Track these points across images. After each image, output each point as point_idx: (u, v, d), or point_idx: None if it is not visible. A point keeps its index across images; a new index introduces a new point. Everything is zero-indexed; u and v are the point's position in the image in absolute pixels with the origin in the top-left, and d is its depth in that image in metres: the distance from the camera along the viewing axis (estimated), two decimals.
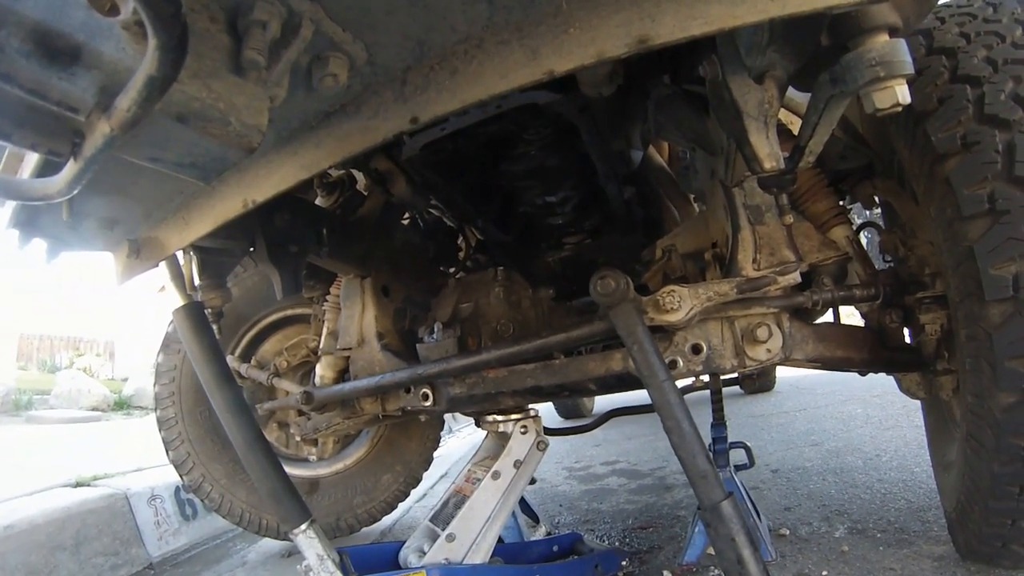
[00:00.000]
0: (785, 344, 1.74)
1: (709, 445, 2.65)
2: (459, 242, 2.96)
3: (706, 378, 2.65)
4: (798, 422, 5.18)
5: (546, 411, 7.58)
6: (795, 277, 1.73)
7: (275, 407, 2.88)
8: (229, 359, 3.09)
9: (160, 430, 3.19)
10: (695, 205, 2.57)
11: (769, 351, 1.73)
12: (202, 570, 3.23)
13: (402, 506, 3.74)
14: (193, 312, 2.01)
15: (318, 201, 2.39)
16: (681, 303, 1.66)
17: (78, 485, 3.49)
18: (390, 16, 0.98)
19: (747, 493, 2.62)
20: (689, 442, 1.46)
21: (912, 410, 3.99)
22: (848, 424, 4.73)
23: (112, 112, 0.83)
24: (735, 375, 4.31)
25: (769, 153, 1.34)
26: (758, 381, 6.74)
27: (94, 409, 10.12)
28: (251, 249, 2.07)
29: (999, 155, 1.43)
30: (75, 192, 0.94)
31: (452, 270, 2.90)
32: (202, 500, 3.22)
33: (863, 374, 2.02)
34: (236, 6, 0.89)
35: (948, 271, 1.62)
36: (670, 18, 0.97)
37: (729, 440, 2.71)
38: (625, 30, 0.99)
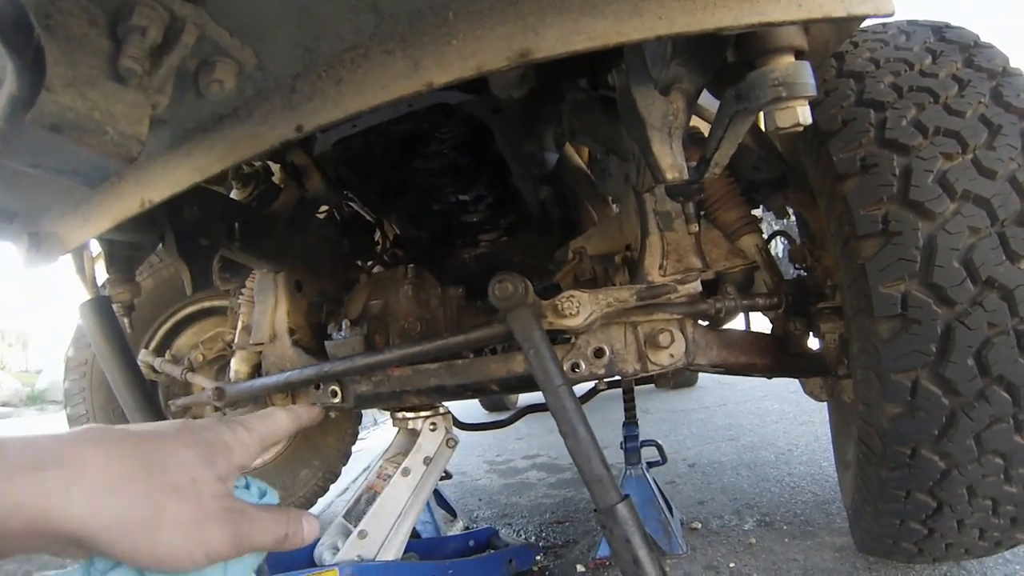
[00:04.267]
0: (688, 350, 1.76)
1: (621, 443, 2.70)
2: (377, 236, 2.94)
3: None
4: (717, 417, 5.29)
5: (472, 404, 7.60)
6: (696, 286, 1.76)
7: (188, 403, 2.83)
8: (143, 353, 3.03)
9: (71, 428, 3.09)
10: (613, 207, 2.59)
11: (672, 356, 1.76)
12: None
13: (324, 501, 3.72)
14: (100, 307, 1.96)
15: (233, 193, 2.35)
16: (580, 309, 1.68)
17: None
18: (276, 23, 0.96)
19: (659, 489, 2.68)
20: (584, 446, 1.48)
21: (824, 407, 4.11)
22: (764, 419, 4.86)
23: None
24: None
25: (672, 164, 1.35)
26: (673, 379, 6.83)
27: (4, 404, 9.72)
28: (161, 242, 2.03)
29: (896, 178, 1.47)
30: None
31: (370, 264, 2.89)
32: None
33: (768, 378, 2.07)
34: (118, 9, 0.86)
35: (844, 286, 1.66)
36: (554, 32, 0.97)
37: (641, 438, 2.76)
38: (507, 43, 0.99)
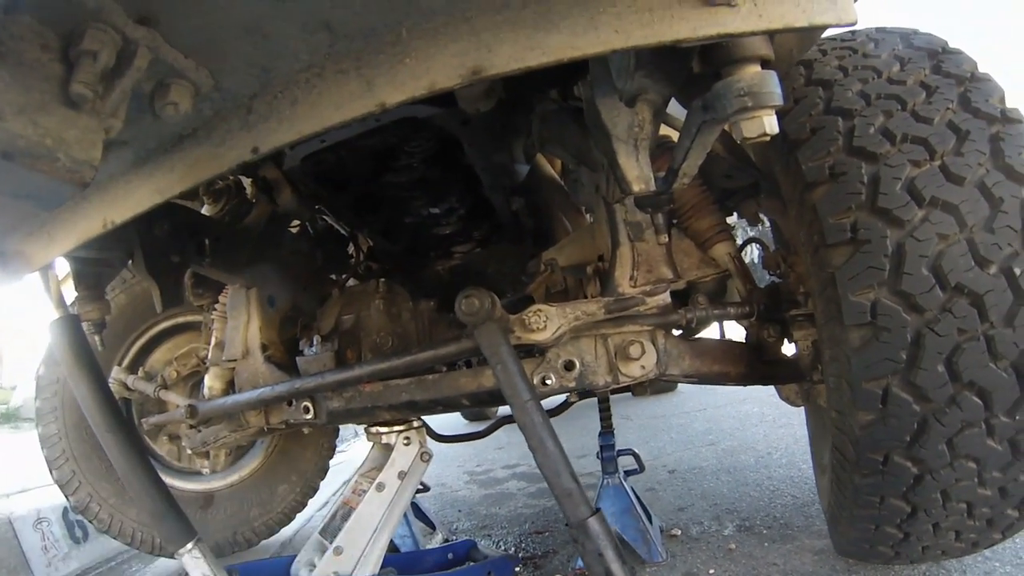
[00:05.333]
0: (659, 361, 1.76)
1: (597, 453, 2.69)
2: (351, 249, 2.93)
3: None
4: (697, 422, 5.30)
5: (452, 414, 7.56)
6: (664, 298, 1.76)
7: (161, 421, 2.80)
8: (116, 370, 2.99)
9: (43, 448, 3.03)
10: (587, 216, 2.59)
11: (643, 367, 1.75)
12: None
13: (303, 516, 3.69)
14: (69, 325, 1.93)
15: (205, 209, 2.33)
16: (548, 323, 1.67)
17: None
18: (230, 43, 0.95)
19: (638, 497, 2.67)
20: (553, 461, 1.47)
21: (803, 409, 4.14)
22: (744, 423, 4.87)
23: None
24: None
25: (638, 176, 1.35)
26: (651, 385, 6.79)
27: None
28: (130, 259, 2.00)
29: (864, 186, 1.47)
30: None
31: (345, 277, 2.87)
32: (90, 521, 3.08)
33: (744, 386, 2.06)
34: (70, 32, 0.85)
35: (815, 294, 1.67)
36: (507, 48, 0.97)
37: (622, 445, 2.75)
38: (460, 60, 0.98)
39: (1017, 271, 1.39)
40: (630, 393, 5.72)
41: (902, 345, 1.43)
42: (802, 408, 2.67)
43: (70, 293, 2.02)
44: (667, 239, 1.78)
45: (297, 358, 2.17)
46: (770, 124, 1.05)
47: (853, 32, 1.85)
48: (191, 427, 2.43)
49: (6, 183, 0.95)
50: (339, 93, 1.03)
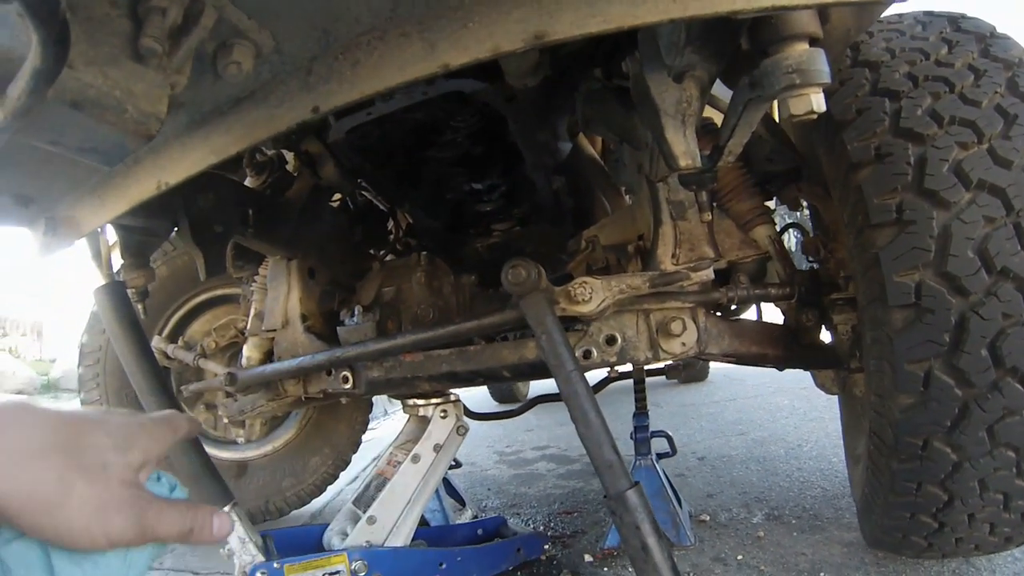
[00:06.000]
0: (700, 339, 1.76)
1: (631, 434, 2.70)
2: (390, 225, 2.95)
3: (630, 367, 2.68)
4: (728, 412, 5.28)
5: (481, 395, 7.62)
6: (708, 274, 1.76)
7: (200, 388, 2.85)
8: (156, 340, 3.05)
9: None
10: (626, 197, 2.59)
11: (684, 344, 1.75)
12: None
13: (334, 488, 3.74)
14: (114, 292, 1.97)
15: (247, 181, 2.36)
16: (593, 295, 1.67)
17: None
18: (294, 5, 0.98)
19: (668, 480, 2.68)
20: (595, 432, 1.48)
21: (834, 403, 4.10)
22: (775, 414, 4.84)
23: (4, 100, 0.83)
24: (661, 365, 4.36)
25: (685, 151, 1.35)
26: (685, 371, 6.79)
27: (19, 392, 9.72)
28: (175, 229, 2.04)
29: (910, 167, 1.47)
30: None
31: (383, 253, 2.90)
32: None
33: (780, 370, 2.06)
34: None
35: (857, 276, 1.66)
36: (569, 15, 0.97)
37: (652, 429, 2.76)
38: (523, 26, 0.99)
39: None
40: (662, 378, 5.69)
41: (946, 327, 1.42)
42: (834, 402, 2.67)
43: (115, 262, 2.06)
44: (710, 218, 1.78)
45: (338, 328, 2.19)
46: (817, 102, 1.06)
47: (900, 14, 1.83)
48: (229, 395, 2.47)
49: (71, 135, 0.97)
50: (402, 55, 1.04)
